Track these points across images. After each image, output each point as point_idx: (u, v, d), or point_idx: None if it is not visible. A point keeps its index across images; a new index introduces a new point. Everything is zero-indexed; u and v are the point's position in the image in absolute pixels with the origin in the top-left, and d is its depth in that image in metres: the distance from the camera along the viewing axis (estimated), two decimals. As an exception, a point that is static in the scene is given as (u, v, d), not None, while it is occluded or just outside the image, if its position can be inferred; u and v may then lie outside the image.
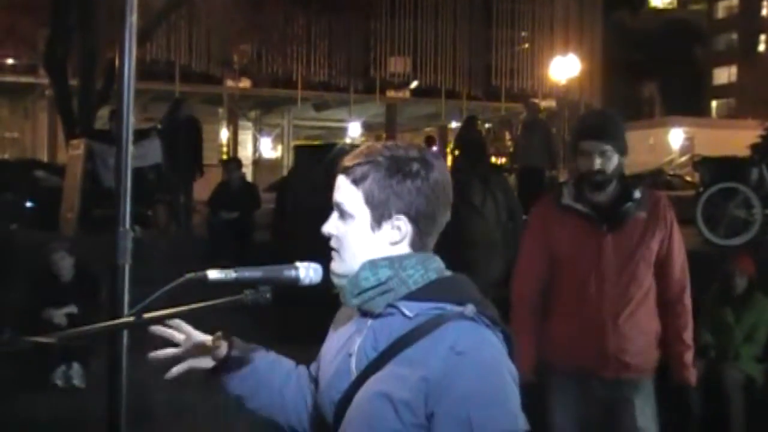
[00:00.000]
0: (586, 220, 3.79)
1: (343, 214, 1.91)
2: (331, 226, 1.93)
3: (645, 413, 3.87)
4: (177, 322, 2.03)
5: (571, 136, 3.95)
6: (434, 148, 26.69)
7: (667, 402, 4.02)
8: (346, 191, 1.91)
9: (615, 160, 3.75)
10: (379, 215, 1.88)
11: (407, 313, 1.85)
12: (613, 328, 3.77)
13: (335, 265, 1.93)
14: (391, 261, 1.88)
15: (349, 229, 1.91)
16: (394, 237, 1.89)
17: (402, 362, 1.80)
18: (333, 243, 1.93)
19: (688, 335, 3.92)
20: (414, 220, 1.89)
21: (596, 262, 3.76)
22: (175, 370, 2.06)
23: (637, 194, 3.79)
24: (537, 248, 3.96)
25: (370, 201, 1.88)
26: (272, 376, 2.13)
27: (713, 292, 6.97)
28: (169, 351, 2.07)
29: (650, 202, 3.82)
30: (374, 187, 1.87)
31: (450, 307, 1.84)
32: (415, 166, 1.88)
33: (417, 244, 1.91)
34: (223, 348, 2.09)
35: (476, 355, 1.77)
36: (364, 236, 1.90)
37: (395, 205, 1.87)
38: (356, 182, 1.89)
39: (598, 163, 3.72)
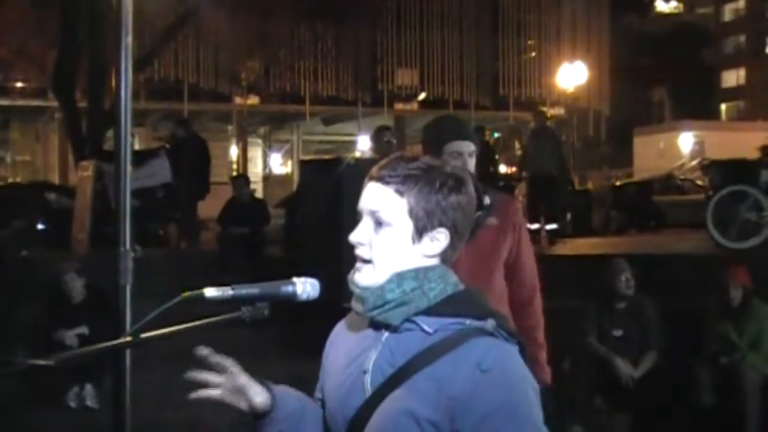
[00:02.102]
0: None
1: (380, 223, 1.87)
2: (363, 234, 1.89)
3: None
4: (225, 365, 1.88)
5: (435, 141, 3.81)
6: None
7: None
8: (386, 199, 1.87)
9: (474, 163, 3.80)
10: (422, 227, 1.87)
11: (427, 328, 1.83)
12: None
13: (361, 276, 1.88)
14: (417, 272, 1.87)
15: (386, 238, 1.87)
16: (433, 250, 1.88)
17: (425, 379, 1.78)
18: (362, 252, 1.89)
19: (541, 335, 3.96)
20: (452, 234, 1.89)
21: (453, 271, 3.66)
22: (203, 393, 1.88)
23: (486, 201, 3.73)
24: None
25: (414, 212, 1.86)
26: (306, 424, 2.01)
27: (711, 304, 7.00)
28: (211, 381, 1.89)
29: (501, 208, 3.81)
30: (421, 198, 1.85)
31: (469, 322, 1.83)
32: (453, 181, 1.89)
33: (446, 256, 1.92)
34: (264, 399, 1.92)
35: (501, 371, 1.76)
36: (403, 246, 1.87)
37: (438, 218, 1.87)
38: (401, 192, 1.86)
39: (470, 164, 3.73)
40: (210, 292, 1.79)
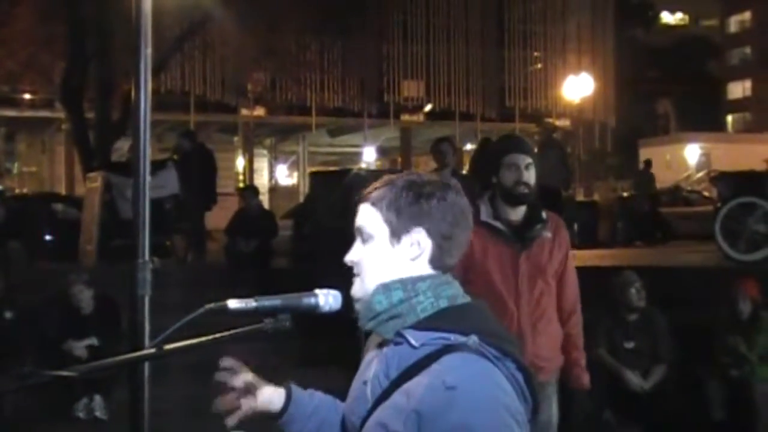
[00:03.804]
0: (502, 238, 4.05)
1: (364, 237, 1.93)
2: (353, 253, 1.95)
3: (551, 414, 4.21)
4: (235, 367, 2.00)
5: (492, 154, 4.19)
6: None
7: (561, 404, 4.33)
8: (365, 214, 1.94)
9: (534, 176, 4.10)
10: (398, 230, 1.90)
11: (413, 342, 1.84)
12: (531, 337, 4.05)
13: (355, 289, 1.94)
14: (404, 283, 1.88)
15: (370, 249, 1.92)
16: (414, 252, 1.90)
17: (400, 393, 1.80)
18: (355, 270, 1.95)
19: (581, 342, 4.32)
20: (433, 235, 1.90)
21: (513, 278, 4.05)
22: (234, 418, 2.00)
23: (544, 216, 4.14)
24: None
25: (388, 218, 1.90)
26: (333, 419, 2.10)
27: (721, 317, 6.97)
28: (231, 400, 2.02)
29: (553, 224, 4.18)
30: (392, 205, 1.90)
31: (455, 338, 1.82)
32: (431, 188, 1.91)
33: (437, 261, 1.91)
34: (280, 398, 2.06)
35: (468, 389, 1.74)
36: (385, 253, 1.91)
37: (413, 221, 1.89)
38: (374, 203, 1.92)
39: (525, 175, 4.04)
40: (233, 303, 1.79)
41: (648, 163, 19.77)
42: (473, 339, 1.80)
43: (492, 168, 4.10)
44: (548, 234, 4.12)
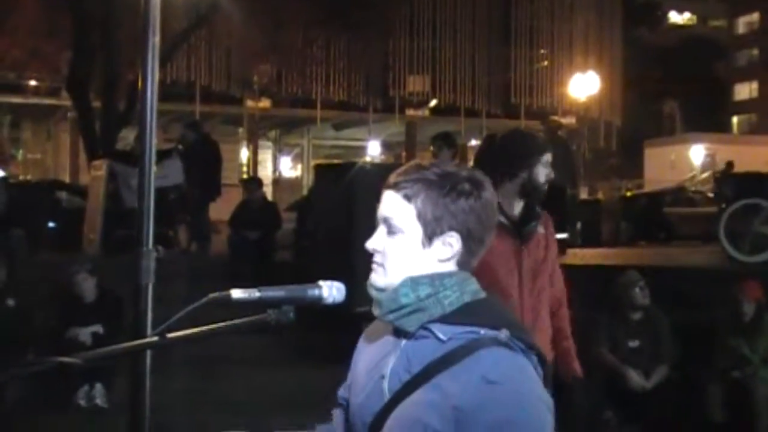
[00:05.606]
0: (507, 233, 4.01)
1: (392, 229, 1.89)
2: (377, 242, 1.91)
3: None
4: None
5: (527, 150, 4.14)
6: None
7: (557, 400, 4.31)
8: (396, 206, 1.89)
9: None
10: (431, 231, 1.87)
11: (441, 336, 1.82)
12: (531, 331, 4.00)
13: (376, 278, 1.90)
14: (432, 279, 1.87)
15: (398, 244, 1.89)
16: (445, 254, 1.89)
17: (434, 388, 1.78)
18: (377, 258, 1.91)
19: (569, 332, 4.37)
20: (465, 238, 1.88)
21: (517, 273, 4.07)
22: None
23: (539, 211, 4.17)
24: None
25: (422, 217, 1.87)
26: None
27: (723, 319, 6.96)
28: None
29: (544, 219, 4.19)
30: (428, 203, 1.87)
31: (484, 332, 1.82)
32: (468, 185, 1.88)
33: (464, 263, 1.91)
34: None
35: (509, 384, 1.75)
36: (414, 252, 1.88)
37: (448, 223, 1.87)
38: (408, 198, 1.88)
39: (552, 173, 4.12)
40: (237, 293, 1.78)
41: (730, 164, 20.21)
42: (505, 333, 1.81)
43: (524, 164, 4.06)
44: (541, 229, 4.16)
